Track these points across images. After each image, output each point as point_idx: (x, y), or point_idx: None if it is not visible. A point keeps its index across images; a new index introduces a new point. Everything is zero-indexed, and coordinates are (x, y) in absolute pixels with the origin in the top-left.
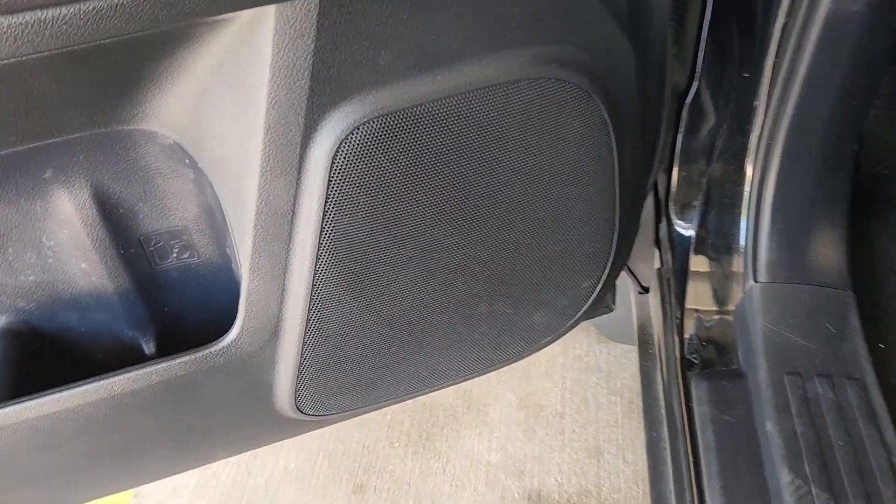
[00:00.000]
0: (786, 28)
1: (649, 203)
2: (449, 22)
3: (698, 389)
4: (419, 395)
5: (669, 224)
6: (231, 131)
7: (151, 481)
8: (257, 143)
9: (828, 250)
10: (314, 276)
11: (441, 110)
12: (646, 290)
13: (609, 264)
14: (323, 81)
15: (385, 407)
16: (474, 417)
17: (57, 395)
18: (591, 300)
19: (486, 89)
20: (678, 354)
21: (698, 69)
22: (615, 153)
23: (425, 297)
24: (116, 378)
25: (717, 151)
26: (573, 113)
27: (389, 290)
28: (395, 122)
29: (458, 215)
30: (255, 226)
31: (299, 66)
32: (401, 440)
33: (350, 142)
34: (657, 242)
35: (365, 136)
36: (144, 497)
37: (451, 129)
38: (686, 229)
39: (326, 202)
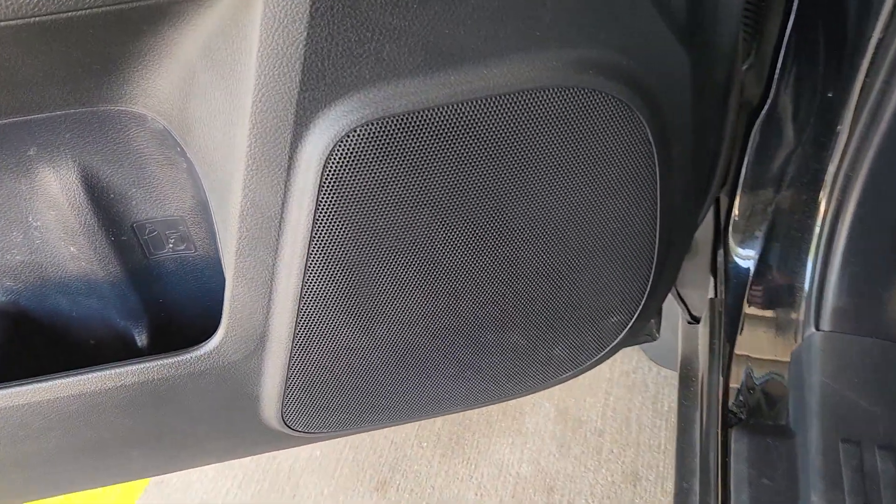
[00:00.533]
0: (881, 44)
1: (710, 223)
2: (468, 14)
3: (738, 443)
4: (421, 420)
5: (727, 253)
6: (217, 121)
7: (132, 480)
8: (243, 138)
9: None
10: (302, 289)
11: (453, 117)
12: (696, 320)
13: (643, 300)
14: (316, 74)
15: (385, 428)
16: (509, 425)
17: (25, 388)
18: (620, 337)
19: (508, 96)
20: (720, 398)
21: (774, 84)
22: (658, 177)
23: (427, 320)
24: (88, 375)
25: (789, 178)
26: (610, 130)
27: (386, 311)
28: (399, 127)
29: (468, 236)
30: (239, 227)
31: (289, 55)
32: (430, 440)
33: (345, 145)
34: (713, 270)
35: (363, 140)
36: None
37: (464, 139)
38: (745, 260)
39: (317, 209)
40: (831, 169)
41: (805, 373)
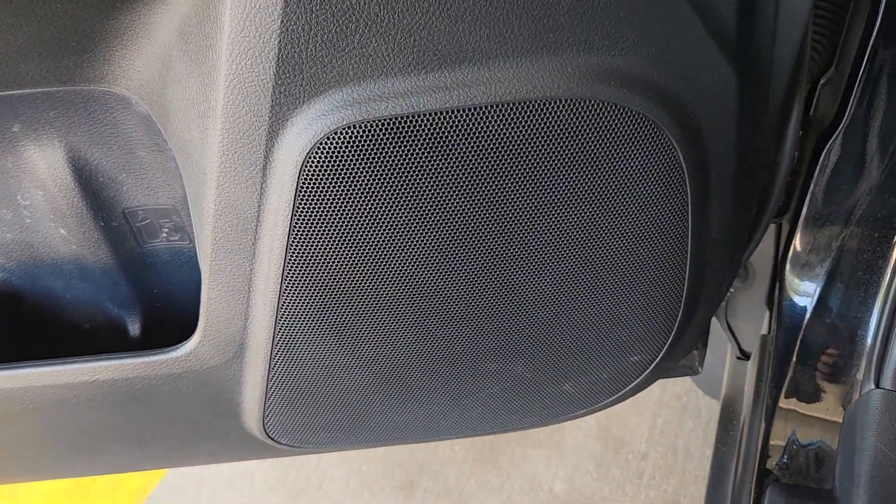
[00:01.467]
0: None
1: (770, 251)
2: (467, 9)
3: None
4: (415, 443)
5: (783, 289)
6: (192, 112)
7: (116, 472)
8: (216, 132)
9: None
10: (279, 299)
11: (448, 126)
12: (746, 355)
13: (668, 341)
14: (293, 67)
15: (379, 447)
16: (546, 438)
17: None
18: (640, 378)
19: (512, 106)
20: (759, 448)
21: (853, 102)
22: (690, 207)
23: (416, 343)
24: (61, 367)
25: (860, 211)
26: (632, 150)
27: (370, 330)
28: (385, 133)
29: (461, 258)
30: (213, 228)
31: (262, 43)
32: (463, 445)
33: (324, 148)
34: (769, 303)
35: (343, 144)
36: None
37: (459, 152)
38: (802, 299)
39: (293, 216)
40: None
41: (858, 434)
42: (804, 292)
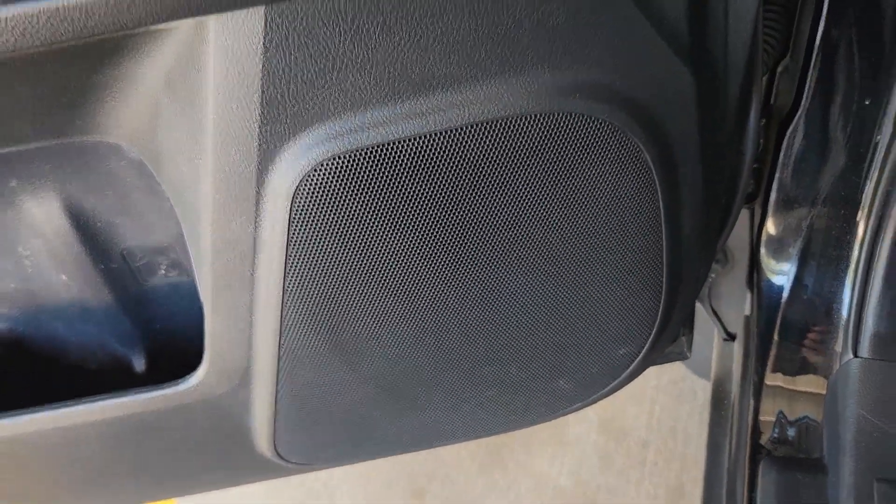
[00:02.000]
0: None
1: (745, 234)
2: (436, 39)
3: (766, 478)
4: (421, 450)
5: (759, 271)
6: (182, 155)
7: None
8: (207, 174)
9: None
10: (281, 324)
11: (426, 150)
12: (732, 337)
13: (654, 330)
14: (277, 107)
15: (388, 457)
16: (550, 435)
17: (5, 421)
18: (630, 368)
19: (485, 125)
20: (750, 425)
21: (808, 87)
22: (662, 203)
23: (414, 355)
24: (70, 409)
25: (825, 192)
26: (602, 156)
27: (370, 346)
28: (368, 160)
29: (452, 272)
30: (212, 263)
31: (246, 87)
32: (469, 448)
33: (313, 180)
34: (750, 284)
35: (330, 174)
36: None
37: (438, 173)
38: (779, 278)
39: (289, 245)
40: (870, 184)
41: (840, 403)
42: (780, 272)
